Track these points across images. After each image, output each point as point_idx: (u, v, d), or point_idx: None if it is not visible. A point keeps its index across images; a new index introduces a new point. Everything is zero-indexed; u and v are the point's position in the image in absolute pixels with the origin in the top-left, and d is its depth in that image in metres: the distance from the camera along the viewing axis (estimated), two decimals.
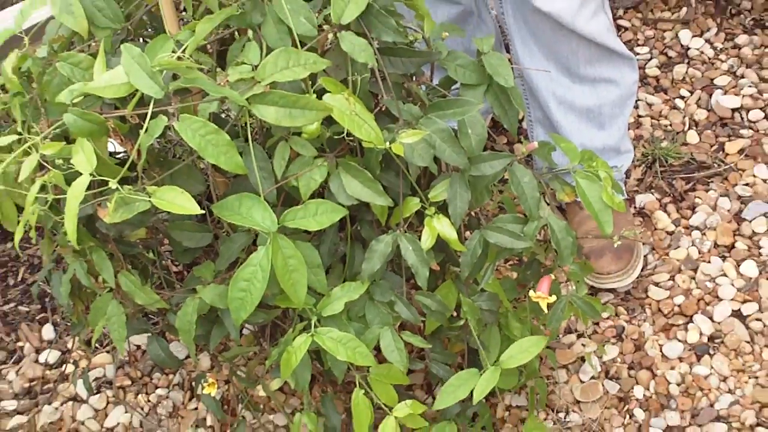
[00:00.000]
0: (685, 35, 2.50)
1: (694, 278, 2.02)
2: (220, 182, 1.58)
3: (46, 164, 1.31)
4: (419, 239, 1.43)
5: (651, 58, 2.47)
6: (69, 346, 2.08)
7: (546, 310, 1.52)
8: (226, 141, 1.26)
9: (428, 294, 1.49)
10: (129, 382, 2.01)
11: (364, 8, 1.33)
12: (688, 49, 2.48)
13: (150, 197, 1.28)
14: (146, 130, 1.26)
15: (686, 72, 2.42)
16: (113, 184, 1.26)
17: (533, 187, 1.46)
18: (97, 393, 2.00)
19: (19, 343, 2.12)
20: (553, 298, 1.51)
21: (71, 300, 1.66)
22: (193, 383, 1.96)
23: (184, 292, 1.56)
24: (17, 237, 1.38)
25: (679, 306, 1.98)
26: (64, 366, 2.05)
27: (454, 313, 1.58)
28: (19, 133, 1.34)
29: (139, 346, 2.05)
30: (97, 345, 2.05)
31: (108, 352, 2.06)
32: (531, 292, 1.51)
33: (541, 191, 1.47)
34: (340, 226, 1.55)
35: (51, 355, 2.08)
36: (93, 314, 1.56)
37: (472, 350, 1.60)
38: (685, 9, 2.55)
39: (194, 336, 1.50)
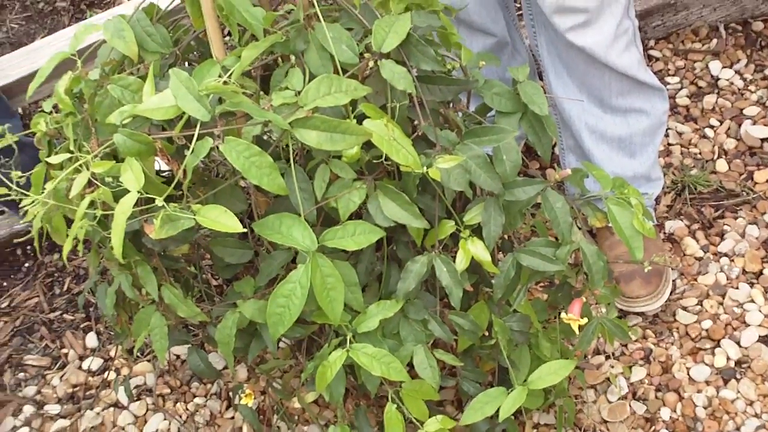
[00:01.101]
0: (715, 66, 2.54)
1: (721, 304, 2.06)
2: (261, 201, 1.63)
3: (95, 181, 1.37)
4: (453, 261, 1.48)
5: (681, 88, 2.51)
6: (111, 354, 2.15)
7: (577, 332, 1.57)
8: (269, 163, 1.31)
9: (461, 314, 1.54)
10: (168, 391, 2.07)
11: (404, 37, 1.39)
12: (718, 79, 2.52)
13: (195, 215, 1.33)
14: (192, 151, 1.31)
15: (716, 102, 2.46)
16: (160, 201, 1.31)
17: (566, 212, 1.51)
18: (137, 400, 2.06)
19: (64, 350, 2.19)
20: (585, 320, 1.55)
21: (115, 311, 1.72)
22: (231, 393, 2.01)
23: (225, 306, 1.61)
24: (66, 249, 1.45)
25: (706, 330, 2.02)
26: (106, 373, 2.12)
27: (486, 333, 1.62)
28: (71, 152, 1.40)
29: (178, 356, 2.11)
30: (138, 354, 2.12)
31: (149, 361, 2.12)
32: (563, 314, 1.56)
33: (573, 216, 1.52)
34: (377, 247, 1.60)
35: (94, 363, 2.15)
36: (137, 325, 1.62)
37: (503, 369, 1.65)
38: (715, 40, 2.59)
39: (233, 348, 1.56)
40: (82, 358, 2.17)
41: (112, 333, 2.18)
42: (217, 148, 1.32)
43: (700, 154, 2.35)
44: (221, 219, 1.33)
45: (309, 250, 1.35)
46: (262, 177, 1.31)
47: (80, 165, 1.38)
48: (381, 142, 1.34)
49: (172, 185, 1.34)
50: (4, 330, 2.25)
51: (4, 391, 2.14)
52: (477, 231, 1.50)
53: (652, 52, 2.60)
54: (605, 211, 1.52)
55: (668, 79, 2.53)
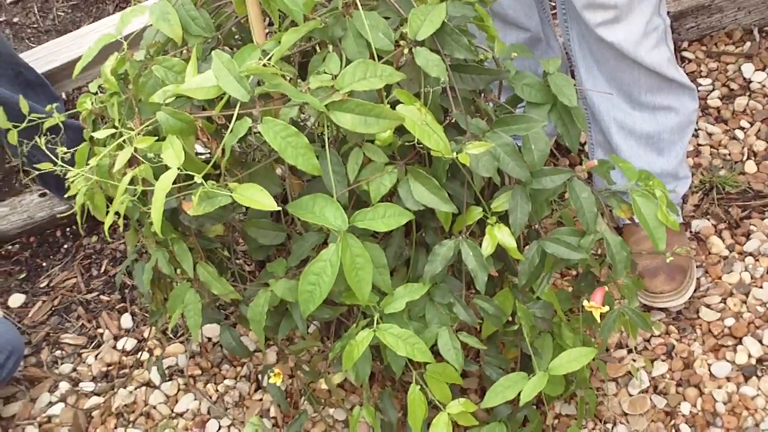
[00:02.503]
0: (747, 69, 2.56)
1: (745, 302, 2.08)
2: (295, 185, 1.68)
3: (138, 157, 1.42)
4: (480, 246, 1.52)
5: (713, 90, 2.53)
6: (145, 335, 2.20)
7: (598, 320, 1.60)
8: (304, 143, 1.36)
9: (486, 298, 1.58)
10: (199, 372, 2.12)
11: (438, 26, 1.43)
12: (750, 82, 2.54)
13: (231, 193, 1.38)
14: (231, 130, 1.36)
15: (747, 104, 2.48)
16: (198, 178, 1.36)
17: (591, 203, 1.55)
18: (169, 380, 2.12)
19: (99, 330, 2.25)
20: (606, 308, 1.59)
21: (151, 289, 1.77)
22: (260, 376, 2.06)
23: (257, 286, 1.66)
24: (107, 224, 1.50)
25: (729, 328, 2.04)
26: (139, 353, 2.17)
27: (510, 319, 1.65)
28: (115, 127, 1.46)
29: (210, 339, 2.17)
30: (171, 336, 2.17)
31: (181, 342, 2.17)
32: (585, 302, 1.59)
33: (599, 208, 1.56)
34: (406, 232, 1.64)
35: (128, 343, 2.21)
36: (172, 302, 1.67)
37: (525, 357, 1.68)
38: (749, 43, 2.61)
39: (264, 326, 1.61)
40: (116, 338, 2.23)
41: (146, 314, 2.24)
42: (256, 128, 1.38)
43: (729, 155, 2.38)
44: (257, 197, 1.38)
45: (340, 230, 1.39)
46: (297, 157, 1.36)
47: (123, 141, 1.43)
48: (413, 127, 1.39)
49: (211, 163, 1.39)
50: (43, 309, 2.31)
51: (41, 368, 2.20)
52: (503, 219, 1.53)
53: (685, 54, 2.63)
54: (630, 203, 1.55)
55: (700, 80, 2.56)
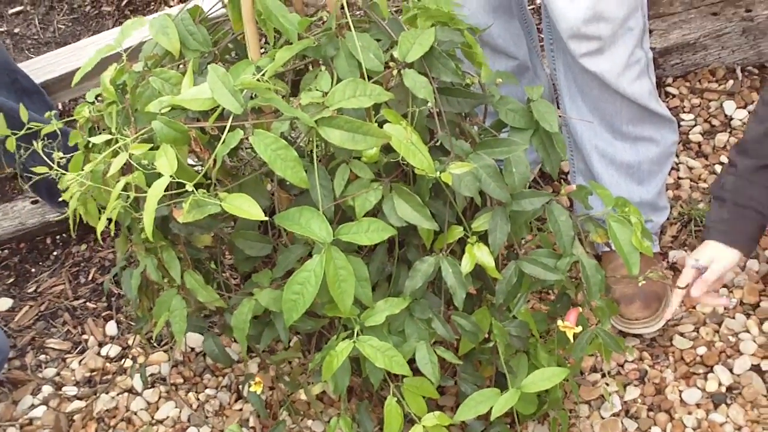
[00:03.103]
0: (729, 106, 2.63)
1: (717, 332, 2.13)
2: (283, 199, 1.72)
3: (133, 163, 1.46)
4: (459, 264, 1.57)
5: (695, 125, 2.59)
6: (129, 342, 2.24)
7: (572, 340, 1.65)
8: (293, 157, 1.40)
9: (464, 315, 1.62)
10: (181, 380, 2.16)
11: (427, 50, 1.49)
12: (731, 119, 2.60)
13: (221, 202, 1.43)
14: (224, 141, 1.41)
15: (728, 140, 2.54)
16: (190, 187, 1.41)
17: (569, 226, 1.60)
18: (151, 387, 2.15)
19: (84, 336, 2.29)
20: (579, 329, 1.63)
21: (138, 296, 1.81)
22: (240, 386, 2.09)
23: (242, 295, 1.71)
24: (99, 229, 1.55)
25: (701, 356, 2.09)
26: (123, 360, 2.21)
27: (487, 337, 1.70)
28: (111, 134, 1.50)
29: (193, 348, 2.21)
30: (154, 344, 2.21)
31: (165, 351, 2.21)
32: (559, 322, 1.64)
33: (576, 231, 1.61)
34: (389, 248, 1.69)
35: (112, 350, 2.25)
36: (158, 307, 1.71)
37: (500, 375, 1.73)
38: (731, 81, 2.68)
39: (246, 335, 1.65)
40: (101, 345, 2.27)
41: (131, 323, 2.28)
42: (247, 140, 1.42)
43: (708, 189, 2.43)
44: (245, 207, 1.43)
45: (325, 242, 1.44)
46: (286, 169, 1.40)
47: (119, 147, 1.47)
48: (399, 145, 1.44)
49: (203, 172, 1.43)
50: (30, 314, 2.35)
51: (25, 371, 2.23)
52: (483, 238, 1.58)
53: (669, 89, 2.69)
54: (606, 228, 1.61)
55: (683, 115, 2.62)
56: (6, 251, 2.51)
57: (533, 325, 1.69)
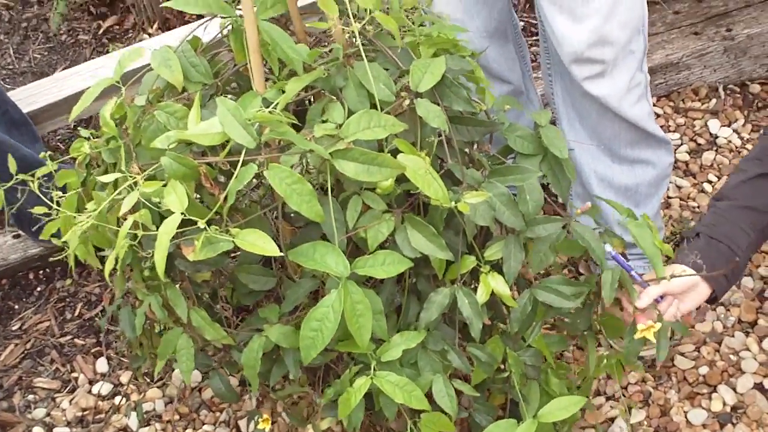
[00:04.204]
0: (713, 124, 2.64)
1: (718, 351, 2.13)
2: (286, 231, 1.69)
3: (144, 201, 1.42)
4: (474, 294, 1.54)
5: (681, 144, 2.60)
6: (121, 379, 2.19)
7: (653, 339, 1.60)
8: (309, 191, 1.38)
9: (479, 346, 1.60)
10: (177, 417, 2.11)
11: (439, 78, 1.47)
12: (717, 137, 2.62)
13: (233, 238, 1.39)
14: (237, 177, 1.38)
15: (714, 159, 2.55)
16: (201, 224, 1.37)
17: (596, 238, 1.58)
18: (146, 425, 2.10)
19: (74, 374, 2.23)
20: (659, 325, 1.60)
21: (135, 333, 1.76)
22: (239, 422, 2.05)
23: (249, 331, 1.67)
24: (108, 268, 1.50)
25: (703, 376, 2.09)
26: (115, 398, 2.15)
27: (502, 366, 1.68)
28: (122, 171, 1.46)
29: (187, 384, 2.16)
30: (148, 380, 2.16)
31: (159, 387, 2.16)
32: (639, 326, 1.60)
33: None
34: (398, 279, 1.66)
35: (104, 387, 2.19)
36: (163, 346, 1.67)
37: (513, 403, 1.71)
38: (714, 100, 2.70)
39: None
40: (92, 383, 2.21)
41: (122, 359, 2.23)
42: (261, 174, 1.39)
43: (698, 207, 2.44)
44: (259, 242, 1.39)
45: (342, 276, 1.41)
46: (301, 203, 1.38)
47: (129, 186, 1.43)
48: (414, 176, 1.41)
49: (215, 209, 1.40)
50: (15, 352, 2.29)
51: (14, 413, 2.17)
52: (495, 267, 1.56)
53: (654, 109, 2.69)
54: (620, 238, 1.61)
55: (669, 135, 2.63)
56: None
57: (547, 353, 1.68)
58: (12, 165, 1.70)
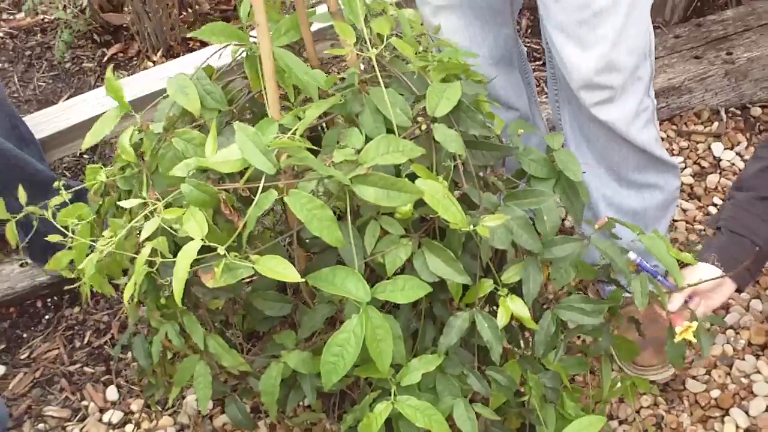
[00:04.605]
0: (717, 147, 2.66)
1: (729, 374, 2.14)
2: (301, 257, 1.70)
3: (166, 227, 1.42)
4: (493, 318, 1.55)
5: (685, 167, 2.62)
6: (131, 407, 2.18)
7: (693, 340, 1.61)
8: (329, 216, 1.38)
9: (499, 369, 1.60)
10: None
11: (455, 103, 1.48)
12: (720, 160, 2.63)
13: (253, 264, 1.39)
14: (257, 203, 1.38)
15: (718, 181, 2.57)
16: (221, 250, 1.38)
17: (618, 252, 1.59)
18: None
19: (84, 402, 2.22)
20: (695, 324, 1.61)
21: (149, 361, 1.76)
22: None
23: (265, 358, 1.67)
24: (127, 295, 1.49)
25: (715, 399, 2.09)
26: (126, 426, 2.14)
27: (521, 389, 1.68)
28: (143, 198, 1.46)
29: (199, 412, 2.15)
30: (159, 408, 2.15)
31: (170, 415, 2.15)
32: (678, 328, 1.62)
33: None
34: (413, 304, 1.66)
35: (114, 416, 2.18)
36: (180, 374, 1.66)
37: (531, 427, 1.71)
38: (716, 123, 2.72)
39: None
40: (102, 411, 2.20)
41: (132, 387, 2.22)
42: (282, 200, 1.40)
43: (704, 230, 2.45)
44: (279, 269, 1.39)
45: (362, 301, 1.41)
46: (322, 229, 1.38)
47: (148, 212, 1.43)
48: (432, 200, 1.42)
49: (234, 235, 1.40)
50: (24, 381, 2.28)
51: None
52: (513, 290, 1.57)
53: None
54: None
55: (672, 158, 2.64)
56: None
57: (564, 375, 1.68)
58: (22, 196, 1.70)
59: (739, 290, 1.77)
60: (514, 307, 1.54)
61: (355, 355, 1.41)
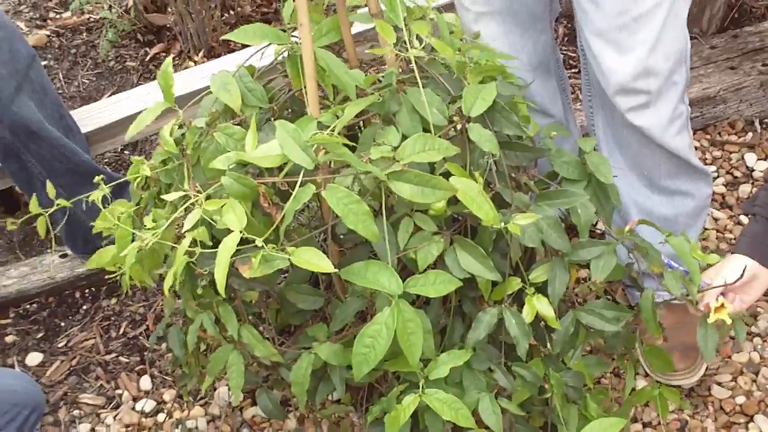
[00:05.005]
0: (750, 158, 2.67)
1: (755, 381, 2.15)
2: (334, 251, 1.73)
3: (207, 218, 1.46)
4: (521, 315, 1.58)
5: (718, 177, 2.64)
6: (164, 397, 2.23)
7: (728, 321, 1.58)
8: (365, 211, 1.42)
9: (524, 365, 1.63)
10: None
11: (490, 104, 1.51)
12: (753, 170, 2.65)
13: (290, 256, 1.43)
14: (294, 197, 1.42)
15: (751, 191, 2.58)
16: (259, 242, 1.42)
17: (650, 245, 1.64)
18: None
19: (118, 391, 2.28)
20: (729, 305, 1.59)
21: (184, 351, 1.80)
22: None
23: (297, 349, 1.71)
24: (167, 285, 1.54)
25: (740, 405, 2.11)
26: (158, 415, 2.19)
27: (545, 386, 1.71)
28: (185, 190, 1.51)
29: (230, 403, 2.19)
30: (191, 398, 2.20)
31: (201, 406, 2.20)
32: (711, 314, 1.59)
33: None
34: (443, 300, 1.70)
35: (147, 405, 2.23)
36: (213, 363, 1.71)
37: (554, 426, 1.73)
38: (750, 134, 2.73)
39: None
40: (135, 400, 2.26)
41: (165, 377, 2.27)
42: (318, 196, 1.44)
43: (734, 239, 2.47)
44: (314, 260, 1.43)
45: (395, 295, 1.45)
46: (358, 223, 1.42)
47: (190, 204, 1.48)
48: (466, 198, 1.46)
49: (273, 227, 1.44)
50: (61, 368, 2.34)
51: (59, 427, 2.21)
52: (539, 290, 1.60)
53: None
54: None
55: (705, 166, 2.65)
56: (35, 305, 2.50)
57: (587, 376, 1.70)
58: (51, 190, 1.73)
59: None
60: (540, 306, 1.57)
61: (386, 346, 1.44)
